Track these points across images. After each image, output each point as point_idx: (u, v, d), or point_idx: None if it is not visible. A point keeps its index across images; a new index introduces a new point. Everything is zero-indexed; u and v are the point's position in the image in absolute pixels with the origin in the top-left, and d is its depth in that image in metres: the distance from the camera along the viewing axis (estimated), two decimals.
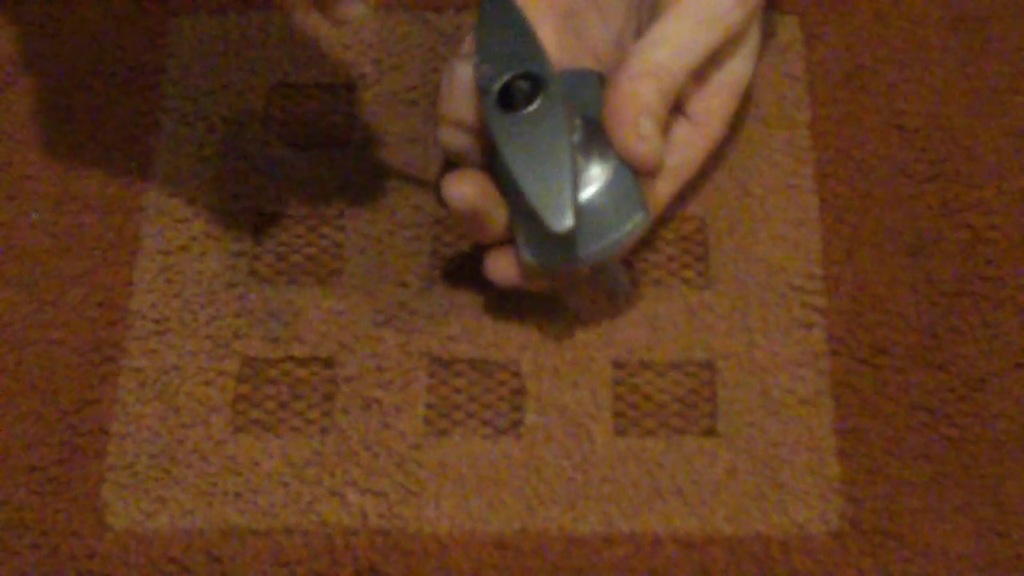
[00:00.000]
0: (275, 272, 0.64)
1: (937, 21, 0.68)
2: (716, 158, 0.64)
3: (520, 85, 0.58)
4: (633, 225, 0.58)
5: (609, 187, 0.59)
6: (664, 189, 0.62)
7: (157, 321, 0.63)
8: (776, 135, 0.66)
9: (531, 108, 0.57)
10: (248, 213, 0.65)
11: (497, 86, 0.58)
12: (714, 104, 0.62)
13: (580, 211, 0.58)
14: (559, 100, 0.57)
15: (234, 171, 0.66)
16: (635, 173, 0.59)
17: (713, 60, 0.61)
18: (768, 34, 0.67)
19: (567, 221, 0.56)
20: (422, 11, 0.69)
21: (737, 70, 0.62)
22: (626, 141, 0.58)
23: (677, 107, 0.62)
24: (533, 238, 0.58)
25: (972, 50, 0.68)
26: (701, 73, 0.61)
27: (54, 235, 0.65)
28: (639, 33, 0.62)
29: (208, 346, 0.62)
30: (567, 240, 0.57)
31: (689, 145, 0.62)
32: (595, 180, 0.59)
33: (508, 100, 0.58)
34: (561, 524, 0.58)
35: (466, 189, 0.58)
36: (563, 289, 0.62)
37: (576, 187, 0.57)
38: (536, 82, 0.58)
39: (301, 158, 0.66)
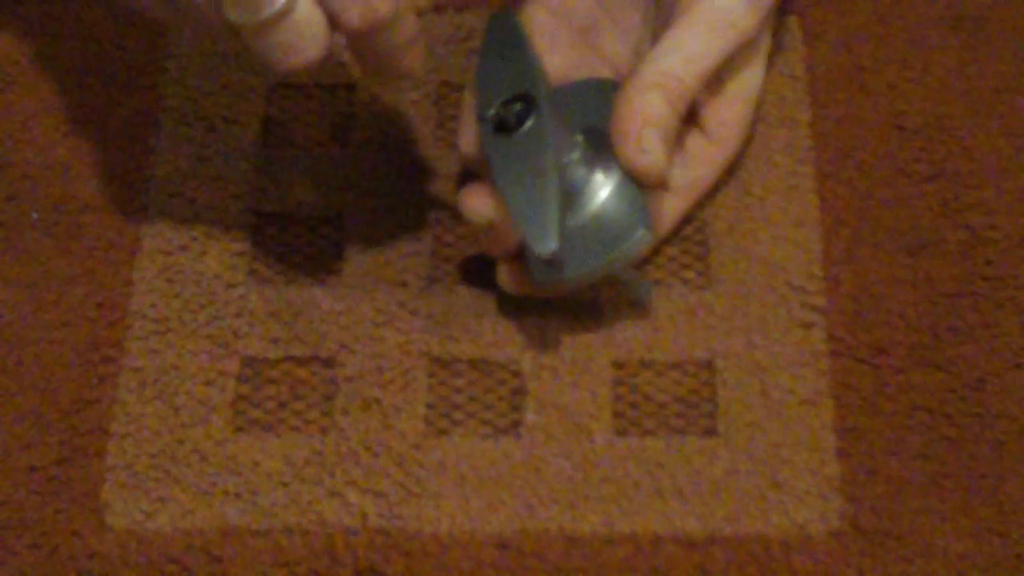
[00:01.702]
0: (275, 272, 0.64)
1: (937, 21, 0.68)
2: None
3: (513, 108, 0.57)
4: (633, 243, 0.58)
5: (611, 202, 0.58)
6: (678, 204, 0.62)
7: (157, 321, 0.63)
8: (776, 135, 0.66)
9: (522, 130, 0.57)
10: (248, 213, 0.65)
11: (491, 111, 0.58)
12: (729, 116, 0.62)
13: (580, 227, 0.58)
14: (549, 120, 0.57)
15: (234, 171, 0.66)
16: (640, 186, 0.58)
17: (726, 69, 0.61)
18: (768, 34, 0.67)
19: (550, 245, 0.56)
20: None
21: (750, 79, 0.62)
22: (629, 154, 0.58)
23: (692, 120, 0.62)
24: (532, 254, 0.58)
25: (972, 50, 0.68)
26: (715, 83, 0.61)
27: (54, 235, 0.65)
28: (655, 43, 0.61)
29: (208, 346, 0.62)
30: (556, 260, 0.57)
31: (705, 159, 0.62)
32: (597, 195, 0.58)
33: (503, 123, 0.57)
34: (561, 524, 0.58)
35: (480, 203, 0.58)
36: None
37: (561, 208, 0.56)
38: (528, 103, 0.57)
39: (301, 158, 0.66)
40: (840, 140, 0.66)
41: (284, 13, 0.51)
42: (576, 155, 0.58)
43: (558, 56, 0.62)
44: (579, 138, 0.58)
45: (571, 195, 0.58)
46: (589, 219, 0.58)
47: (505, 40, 0.59)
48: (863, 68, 0.67)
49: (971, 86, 0.67)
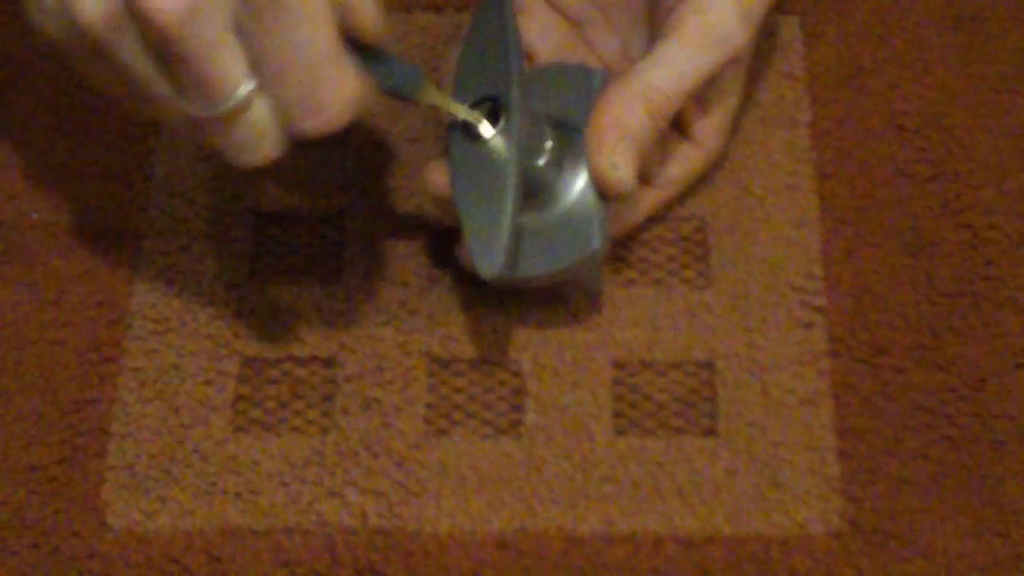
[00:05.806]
0: (275, 272, 0.64)
1: (937, 21, 0.68)
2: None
3: (483, 109, 0.56)
4: (584, 255, 0.57)
5: (573, 209, 0.58)
6: (656, 197, 0.63)
7: (157, 321, 0.63)
8: (776, 135, 0.66)
9: (488, 136, 0.56)
10: (248, 213, 0.65)
11: (461, 112, 0.56)
12: (711, 122, 0.62)
13: (538, 229, 0.57)
14: (518, 132, 0.55)
15: (234, 171, 0.66)
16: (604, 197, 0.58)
17: (712, 81, 0.61)
18: (768, 34, 0.67)
19: (494, 268, 0.55)
20: (422, 12, 0.69)
21: (731, 88, 0.62)
22: (600, 166, 0.57)
23: (673, 124, 0.62)
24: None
25: (972, 50, 0.68)
26: (700, 94, 0.61)
27: (54, 235, 0.65)
28: (645, 44, 0.61)
29: (208, 346, 0.62)
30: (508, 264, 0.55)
31: (683, 158, 0.63)
32: (560, 200, 0.58)
33: (470, 128, 0.56)
34: (561, 524, 0.58)
35: (440, 182, 0.58)
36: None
37: (512, 226, 0.55)
38: (499, 108, 0.56)
39: (301, 158, 0.66)
40: (840, 140, 0.66)
41: (240, 111, 0.51)
42: (543, 160, 0.57)
43: (549, 46, 0.62)
44: (549, 143, 0.57)
45: (534, 197, 0.58)
46: (548, 223, 0.58)
47: (491, 30, 0.57)
48: (863, 68, 0.67)
49: (971, 86, 0.67)
